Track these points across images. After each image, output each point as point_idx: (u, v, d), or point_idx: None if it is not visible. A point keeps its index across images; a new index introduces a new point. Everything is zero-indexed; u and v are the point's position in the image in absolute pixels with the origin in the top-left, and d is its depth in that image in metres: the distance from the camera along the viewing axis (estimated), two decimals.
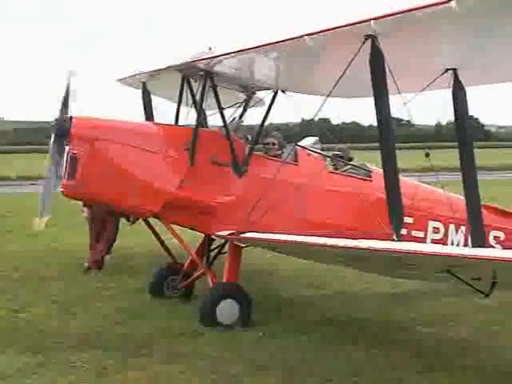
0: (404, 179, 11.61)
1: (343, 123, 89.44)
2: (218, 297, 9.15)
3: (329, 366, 7.72)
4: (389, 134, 7.57)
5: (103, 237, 12.88)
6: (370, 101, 7.59)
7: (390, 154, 7.63)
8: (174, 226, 9.70)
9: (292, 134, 12.03)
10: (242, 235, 9.06)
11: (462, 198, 9.00)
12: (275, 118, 10.57)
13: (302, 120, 9.98)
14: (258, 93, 10.76)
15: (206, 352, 8.05)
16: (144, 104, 11.96)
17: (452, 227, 10.66)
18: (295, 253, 9.79)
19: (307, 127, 10.55)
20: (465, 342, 8.82)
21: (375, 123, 7.66)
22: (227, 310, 9.06)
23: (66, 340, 8.42)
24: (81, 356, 7.85)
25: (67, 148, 9.25)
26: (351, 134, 70.86)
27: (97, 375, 7.36)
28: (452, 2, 6.12)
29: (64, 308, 9.94)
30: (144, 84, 11.77)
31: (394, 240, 7.62)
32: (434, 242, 10.44)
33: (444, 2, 6.19)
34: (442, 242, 10.49)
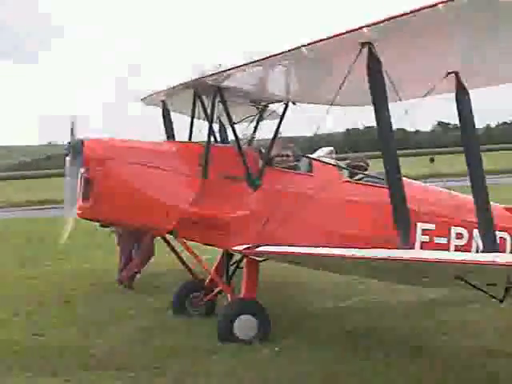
0: (427, 185, 11.48)
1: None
2: (235, 312, 9.11)
3: (350, 380, 7.62)
4: (390, 141, 7.44)
5: (139, 251, 12.87)
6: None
7: (391, 161, 7.47)
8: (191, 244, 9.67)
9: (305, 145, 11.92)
10: (258, 249, 9.00)
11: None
12: (289, 130, 10.53)
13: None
14: (270, 105, 10.72)
15: (219, 370, 7.97)
16: (164, 122, 12.00)
17: (476, 232, 10.40)
18: (312, 265, 9.69)
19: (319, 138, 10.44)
20: (492, 349, 8.62)
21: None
22: (245, 325, 9.01)
23: (87, 361, 8.46)
24: (102, 377, 7.90)
25: (81, 170, 9.33)
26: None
27: None
28: (440, 6, 6.02)
29: (86, 329, 9.96)
30: (164, 102, 11.81)
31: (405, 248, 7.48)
32: (458, 248, 10.24)
33: (431, 6, 6.09)
34: (466, 248, 10.27)
